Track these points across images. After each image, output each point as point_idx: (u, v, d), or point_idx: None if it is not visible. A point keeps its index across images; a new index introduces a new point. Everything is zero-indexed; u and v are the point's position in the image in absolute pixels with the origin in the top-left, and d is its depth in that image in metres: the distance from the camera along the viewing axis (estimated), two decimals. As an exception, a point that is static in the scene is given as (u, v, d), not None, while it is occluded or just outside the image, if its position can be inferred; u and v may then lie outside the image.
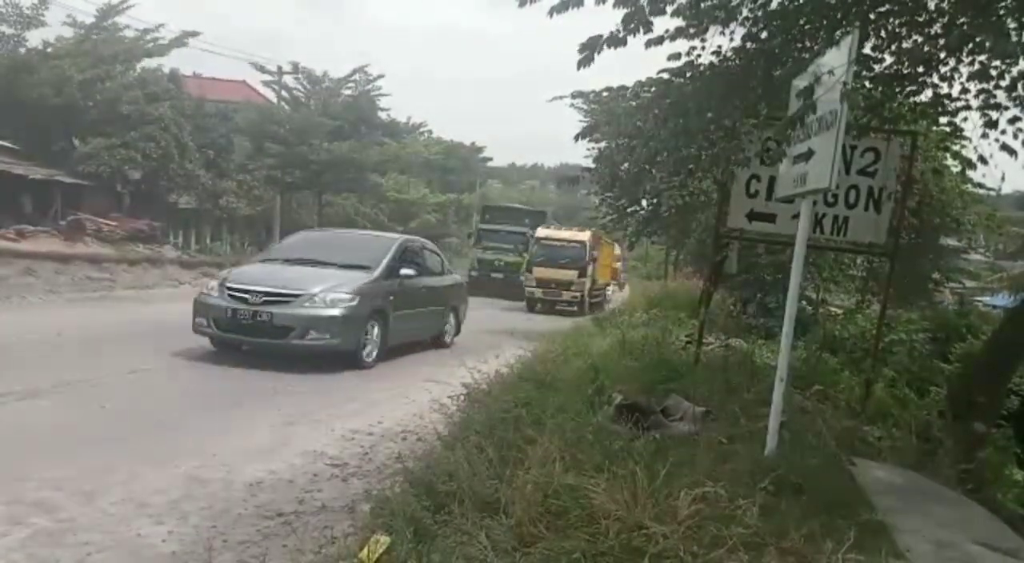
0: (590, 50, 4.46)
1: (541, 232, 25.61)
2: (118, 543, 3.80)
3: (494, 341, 12.82)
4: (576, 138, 8.18)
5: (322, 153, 29.24)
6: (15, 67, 22.18)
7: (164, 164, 24.56)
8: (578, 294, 23.24)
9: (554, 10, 4.46)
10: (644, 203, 13.21)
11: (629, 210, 13.93)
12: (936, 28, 5.11)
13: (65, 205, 22.81)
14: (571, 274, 23.25)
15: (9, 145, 21.43)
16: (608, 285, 29.56)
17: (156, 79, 25.61)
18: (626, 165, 7.73)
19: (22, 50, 23.31)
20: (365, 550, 3.29)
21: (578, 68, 4.50)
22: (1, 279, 14.77)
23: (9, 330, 10.09)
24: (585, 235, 24.84)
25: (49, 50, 23.67)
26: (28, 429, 5.71)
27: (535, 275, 23.52)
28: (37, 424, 5.90)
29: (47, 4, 23.11)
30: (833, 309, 12.64)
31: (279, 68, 31.68)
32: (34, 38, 23.73)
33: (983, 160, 5.72)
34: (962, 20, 4.56)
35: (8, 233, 18.52)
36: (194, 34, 26.30)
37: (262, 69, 31.47)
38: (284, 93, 32.32)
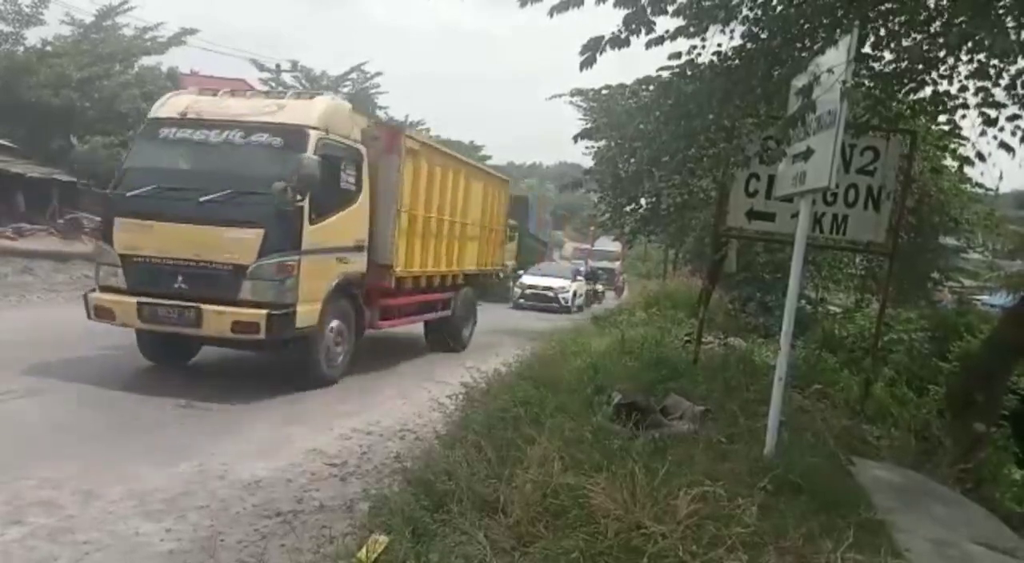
0: (592, 51, 4.44)
1: (168, 106, 8.07)
2: (116, 541, 3.80)
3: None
4: (575, 139, 8.20)
5: (321, 151, 29.03)
6: (13, 66, 22.12)
7: (163, 162, 24.48)
8: (257, 320, 6.86)
9: (554, 10, 4.45)
10: (643, 202, 13.19)
11: (628, 208, 13.91)
12: (935, 26, 5.11)
13: (63, 204, 22.73)
14: (229, 240, 7.04)
15: (7, 143, 21.36)
16: (497, 271, 13.72)
17: (154, 78, 25.53)
18: (626, 166, 7.75)
19: (20, 49, 23.24)
20: (363, 549, 3.29)
21: (580, 69, 4.48)
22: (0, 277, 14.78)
23: (9, 325, 10.09)
24: (312, 111, 7.75)
25: (48, 48, 23.60)
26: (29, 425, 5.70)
27: (119, 247, 7.37)
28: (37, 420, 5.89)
29: (46, 3, 23.03)
30: (832, 308, 12.64)
31: (277, 66, 31.60)
32: (32, 36, 23.67)
33: (981, 158, 5.74)
34: (961, 19, 4.56)
35: (6, 231, 18.49)
36: (192, 31, 26.18)
37: (261, 67, 31.42)
38: (282, 90, 32.19)
